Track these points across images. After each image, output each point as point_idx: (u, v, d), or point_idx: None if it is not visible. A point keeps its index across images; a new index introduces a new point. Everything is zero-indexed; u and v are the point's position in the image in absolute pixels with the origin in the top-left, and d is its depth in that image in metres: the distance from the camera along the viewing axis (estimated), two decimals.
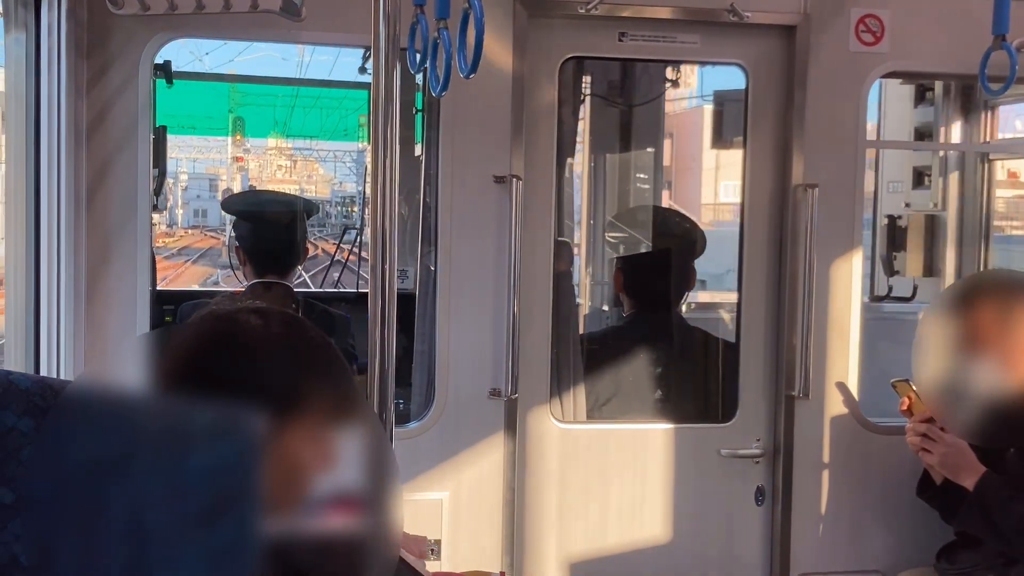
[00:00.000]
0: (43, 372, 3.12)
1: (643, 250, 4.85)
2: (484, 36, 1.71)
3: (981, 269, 5.43)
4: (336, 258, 8.22)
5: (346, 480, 1.40)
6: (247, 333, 1.51)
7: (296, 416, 1.43)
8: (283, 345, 1.51)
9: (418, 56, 2.01)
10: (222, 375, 1.42)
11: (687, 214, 4.95)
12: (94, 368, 1.68)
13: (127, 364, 1.44)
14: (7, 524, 1.38)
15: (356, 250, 7.93)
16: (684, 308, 4.63)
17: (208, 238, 31.19)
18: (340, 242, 9.42)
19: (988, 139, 5.64)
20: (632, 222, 5.00)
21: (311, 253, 6.41)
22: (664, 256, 4.68)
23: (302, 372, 1.49)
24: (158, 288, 4.56)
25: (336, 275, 8.07)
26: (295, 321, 1.59)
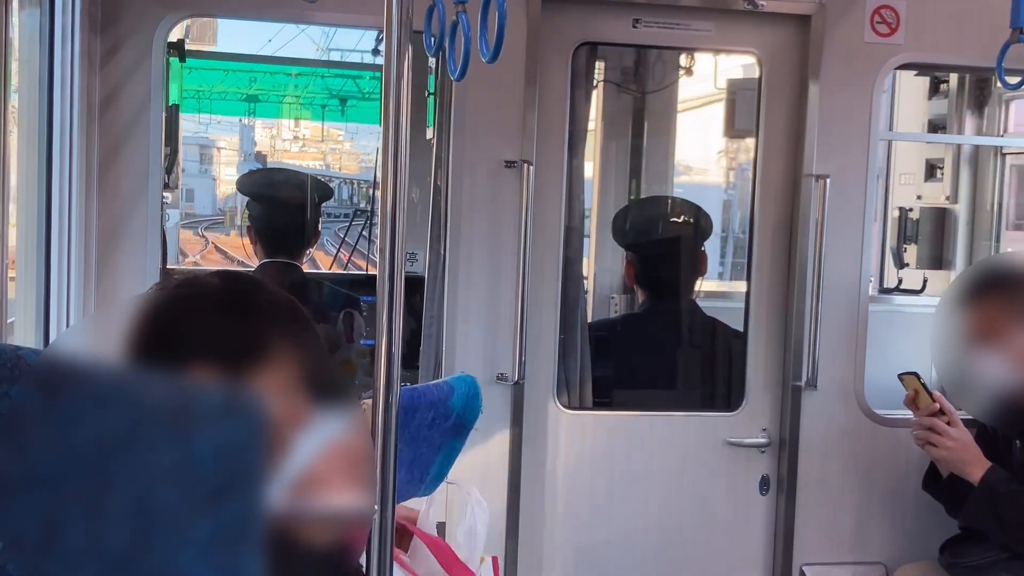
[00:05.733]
0: None
1: (651, 240, 4.85)
2: (492, 20, 1.71)
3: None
4: (345, 239, 8.24)
5: (323, 441, 1.38)
6: (204, 292, 1.51)
7: (261, 370, 1.43)
8: (241, 302, 1.51)
9: (434, 40, 2.00)
10: (182, 334, 1.41)
11: (690, 200, 4.94)
12: (68, 338, 1.65)
13: (98, 334, 1.43)
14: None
15: (366, 233, 7.94)
16: (697, 296, 4.62)
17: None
18: (351, 223, 9.43)
19: (1002, 133, 5.61)
20: (637, 214, 5.00)
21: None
22: (673, 244, 4.68)
23: (263, 327, 1.48)
24: (168, 266, 4.58)
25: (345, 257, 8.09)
26: (254, 281, 1.59)
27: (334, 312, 4.52)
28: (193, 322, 1.42)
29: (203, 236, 20.45)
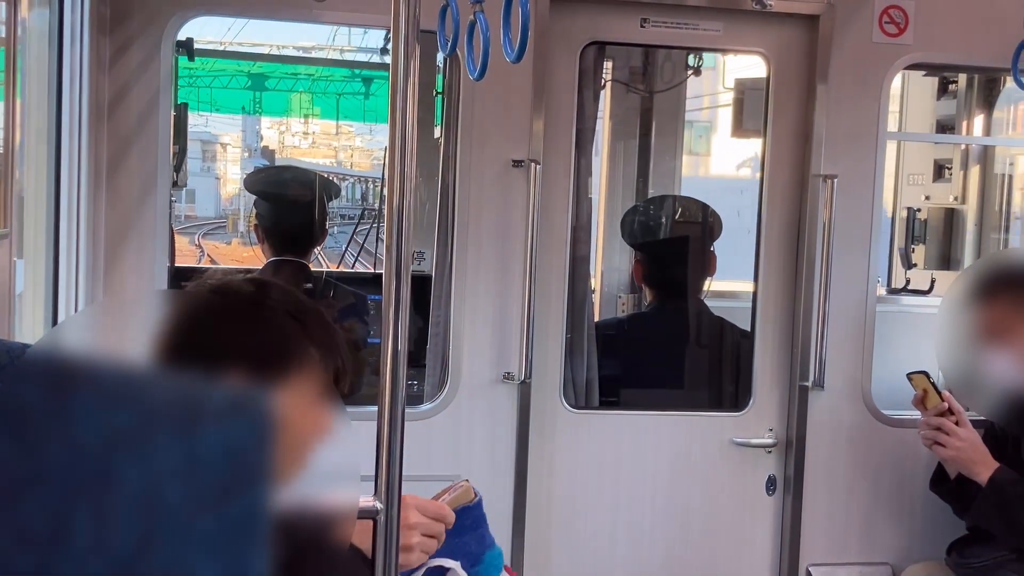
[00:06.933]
0: None
1: (660, 239, 4.86)
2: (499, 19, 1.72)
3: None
4: (354, 238, 8.26)
5: (342, 451, 1.39)
6: (240, 300, 1.52)
7: (289, 380, 1.44)
8: (275, 311, 1.52)
9: (447, 40, 2.00)
10: (216, 341, 1.42)
11: (700, 199, 4.94)
12: (72, 328, 1.65)
13: (111, 327, 1.43)
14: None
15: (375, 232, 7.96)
16: (704, 296, 4.62)
17: None
18: (359, 223, 9.45)
19: (1010, 133, 5.60)
20: (647, 213, 5.00)
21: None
22: (682, 244, 4.68)
23: (294, 336, 1.50)
24: (176, 265, 4.59)
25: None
26: (286, 289, 1.61)
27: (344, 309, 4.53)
28: (225, 328, 1.44)
29: (199, 245, 18.91)
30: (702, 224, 4.72)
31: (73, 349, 1.32)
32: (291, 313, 1.55)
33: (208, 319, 1.45)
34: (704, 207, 4.78)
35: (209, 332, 1.42)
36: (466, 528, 2.05)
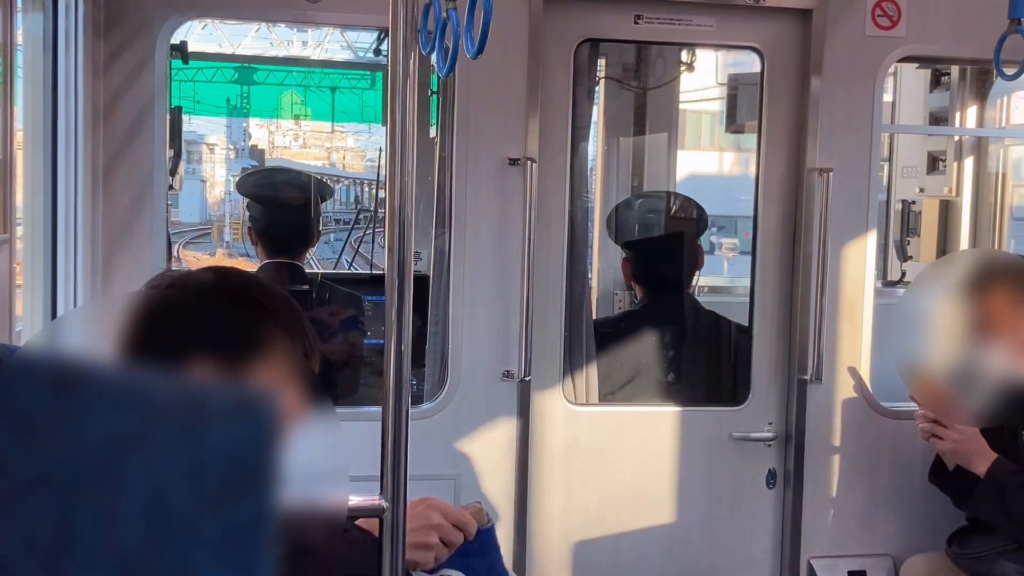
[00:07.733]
0: None
1: (645, 237, 4.87)
2: (493, 17, 1.72)
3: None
4: (349, 240, 8.27)
5: (323, 434, 1.39)
6: (199, 288, 1.53)
7: (258, 362, 1.44)
8: (236, 295, 1.53)
9: (429, 37, 2.01)
10: (179, 329, 1.43)
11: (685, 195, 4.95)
12: (52, 333, 1.65)
13: (89, 330, 1.43)
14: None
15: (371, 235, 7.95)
16: (695, 291, 4.63)
17: None
18: (354, 224, 9.44)
19: (1004, 124, 5.61)
20: (630, 212, 5.01)
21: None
22: (668, 240, 4.69)
23: (259, 320, 1.50)
24: (173, 268, 4.59)
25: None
26: (248, 275, 1.62)
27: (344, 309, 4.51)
28: (189, 317, 1.44)
29: (178, 258, 18.52)
30: (686, 219, 4.73)
31: (67, 350, 1.33)
32: (253, 296, 1.55)
33: (169, 309, 1.45)
34: (689, 201, 4.79)
35: (173, 324, 1.43)
36: (474, 551, 2.05)
